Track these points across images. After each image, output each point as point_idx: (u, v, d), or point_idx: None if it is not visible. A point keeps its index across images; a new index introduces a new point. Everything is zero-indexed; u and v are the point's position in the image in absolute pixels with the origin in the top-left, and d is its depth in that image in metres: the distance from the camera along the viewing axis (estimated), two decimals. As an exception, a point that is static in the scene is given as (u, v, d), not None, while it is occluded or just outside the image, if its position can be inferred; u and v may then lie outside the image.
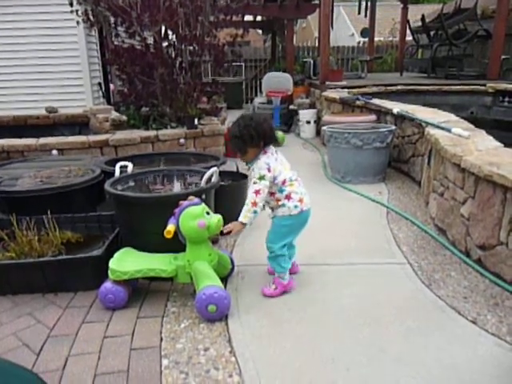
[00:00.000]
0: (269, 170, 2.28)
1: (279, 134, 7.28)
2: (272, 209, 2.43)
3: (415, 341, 2.06)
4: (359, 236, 3.29)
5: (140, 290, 2.55)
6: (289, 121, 8.20)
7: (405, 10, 10.86)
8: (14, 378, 0.85)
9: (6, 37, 6.26)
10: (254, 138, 2.27)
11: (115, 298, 2.35)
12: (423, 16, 9.64)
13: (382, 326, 2.19)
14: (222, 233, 2.33)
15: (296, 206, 2.35)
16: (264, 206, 2.36)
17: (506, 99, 6.79)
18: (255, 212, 2.27)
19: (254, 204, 2.26)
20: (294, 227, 2.43)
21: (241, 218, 2.28)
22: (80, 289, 2.57)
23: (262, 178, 2.27)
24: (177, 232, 2.28)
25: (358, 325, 2.20)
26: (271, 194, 2.37)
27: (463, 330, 2.14)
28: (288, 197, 2.34)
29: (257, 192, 2.26)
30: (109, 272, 2.36)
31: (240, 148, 2.33)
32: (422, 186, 4.20)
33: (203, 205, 2.33)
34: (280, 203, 2.36)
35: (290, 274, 2.56)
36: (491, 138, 3.44)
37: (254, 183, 2.28)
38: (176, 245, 2.35)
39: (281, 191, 2.34)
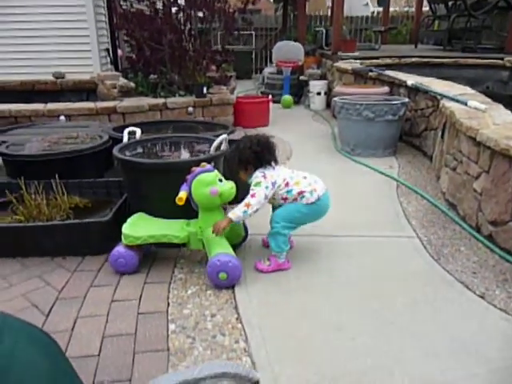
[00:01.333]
0: (264, 177, 2.32)
1: (287, 97, 7.27)
2: None
3: (422, 313, 2.06)
4: (368, 209, 3.26)
5: (147, 257, 2.55)
6: (299, 92, 8.04)
7: (423, -21, 10.45)
8: (22, 332, 0.85)
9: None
10: (242, 161, 2.36)
11: (126, 263, 2.36)
12: (442, -15, 9.29)
13: (389, 298, 2.18)
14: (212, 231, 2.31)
15: (312, 193, 2.35)
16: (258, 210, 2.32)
17: (524, 74, 6.58)
18: (245, 212, 2.26)
19: (247, 205, 2.26)
20: (308, 217, 2.44)
21: (229, 214, 2.30)
22: (88, 253, 2.59)
23: (257, 184, 2.31)
24: (189, 199, 2.26)
25: (365, 296, 2.19)
26: (284, 199, 2.39)
27: (471, 305, 2.13)
28: (300, 193, 2.35)
29: (252, 195, 2.28)
30: (122, 237, 2.36)
31: (231, 170, 2.47)
32: (433, 160, 4.13)
33: (216, 171, 2.30)
34: (298, 199, 2.37)
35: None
36: (509, 111, 3.34)
37: (251, 190, 2.32)
38: (184, 212, 2.33)
39: (289, 192, 2.36)
